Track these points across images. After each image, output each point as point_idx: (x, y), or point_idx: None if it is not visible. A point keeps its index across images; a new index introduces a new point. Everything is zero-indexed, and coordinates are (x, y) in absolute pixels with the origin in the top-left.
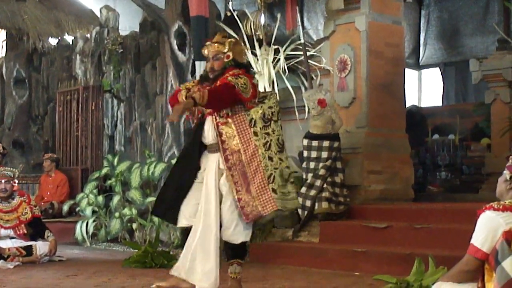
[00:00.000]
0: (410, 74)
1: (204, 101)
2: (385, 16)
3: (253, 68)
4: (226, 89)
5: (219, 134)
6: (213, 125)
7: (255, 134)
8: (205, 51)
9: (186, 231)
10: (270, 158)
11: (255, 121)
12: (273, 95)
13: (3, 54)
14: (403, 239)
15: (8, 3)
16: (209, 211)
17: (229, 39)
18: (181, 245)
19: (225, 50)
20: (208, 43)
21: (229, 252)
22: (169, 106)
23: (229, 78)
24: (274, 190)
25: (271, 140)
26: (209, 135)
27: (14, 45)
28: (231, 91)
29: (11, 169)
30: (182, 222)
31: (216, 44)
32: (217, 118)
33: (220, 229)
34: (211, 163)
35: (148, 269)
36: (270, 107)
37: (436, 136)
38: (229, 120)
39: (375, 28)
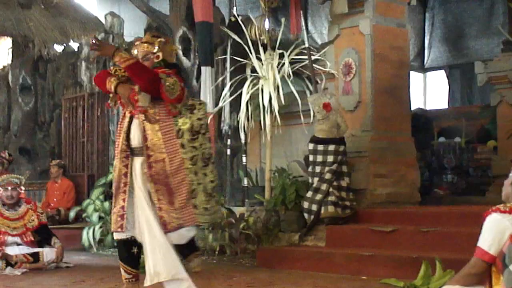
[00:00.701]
0: (415, 77)
1: (124, 62)
2: (389, 19)
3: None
4: (152, 74)
5: (145, 139)
6: (139, 128)
7: (182, 146)
8: (134, 51)
9: (125, 243)
10: (195, 173)
11: (182, 132)
12: (202, 105)
13: (9, 61)
14: (410, 242)
15: (14, 10)
16: (148, 219)
17: (159, 39)
18: (121, 259)
19: (155, 51)
20: (137, 43)
21: (185, 250)
22: None
23: (160, 74)
24: (195, 206)
25: (197, 154)
26: (135, 137)
27: (20, 52)
28: (156, 79)
29: (18, 176)
30: (120, 234)
31: (145, 44)
32: (143, 121)
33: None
34: (137, 166)
35: None
36: (199, 119)
37: (442, 139)
38: (156, 126)
39: (379, 31)
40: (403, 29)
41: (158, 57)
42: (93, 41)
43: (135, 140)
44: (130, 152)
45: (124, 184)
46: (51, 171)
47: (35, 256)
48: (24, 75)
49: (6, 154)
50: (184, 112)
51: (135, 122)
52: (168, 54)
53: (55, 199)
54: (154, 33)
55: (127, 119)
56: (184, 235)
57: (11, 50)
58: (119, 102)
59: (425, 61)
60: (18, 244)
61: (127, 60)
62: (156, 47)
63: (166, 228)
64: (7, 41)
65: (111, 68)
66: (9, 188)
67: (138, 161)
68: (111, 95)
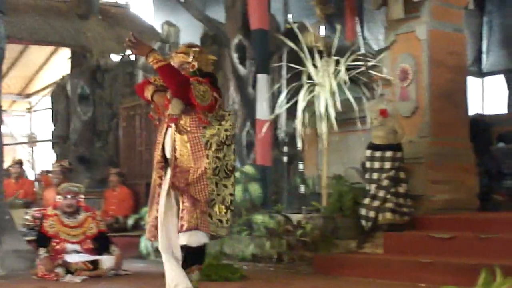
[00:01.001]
0: (473, 82)
1: (157, 63)
2: (446, 24)
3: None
4: (182, 77)
5: (174, 150)
6: (171, 140)
7: (207, 157)
8: (171, 62)
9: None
10: (216, 184)
11: (211, 144)
12: (231, 117)
13: (68, 72)
14: (469, 249)
15: (72, 22)
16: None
17: (194, 49)
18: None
19: (190, 60)
20: (173, 54)
21: (189, 258)
22: None
23: (192, 80)
24: (210, 215)
25: (220, 165)
26: (167, 148)
27: (78, 62)
28: (186, 83)
29: (77, 184)
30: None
31: (181, 54)
32: (175, 132)
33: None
34: (167, 176)
35: (212, 282)
36: (226, 130)
37: (501, 144)
38: (185, 138)
39: (436, 36)
40: (460, 33)
41: (193, 66)
42: (129, 39)
43: (167, 150)
44: (165, 163)
45: (158, 195)
46: (111, 180)
47: (95, 264)
48: (82, 85)
49: (66, 163)
50: (214, 123)
51: (168, 133)
52: (204, 63)
53: (113, 207)
54: (190, 44)
55: (163, 131)
56: (197, 238)
57: (69, 60)
58: (157, 112)
59: (483, 66)
60: (77, 252)
61: (159, 62)
62: (191, 57)
63: (182, 228)
64: (66, 52)
65: (152, 78)
66: (69, 196)
67: (169, 172)
68: (151, 106)
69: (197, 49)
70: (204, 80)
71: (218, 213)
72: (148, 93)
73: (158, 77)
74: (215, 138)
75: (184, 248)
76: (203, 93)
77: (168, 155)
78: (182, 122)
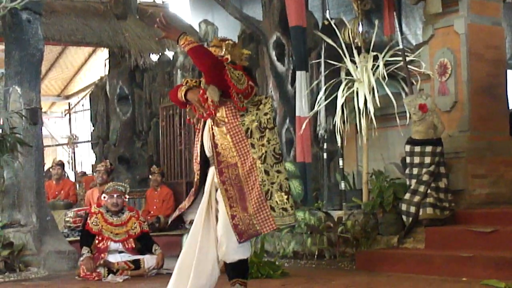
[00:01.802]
0: None
1: (188, 45)
2: (484, 17)
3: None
4: (216, 59)
5: (215, 146)
6: (209, 136)
7: (253, 146)
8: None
9: None
10: (266, 172)
11: (251, 131)
12: (268, 100)
13: (107, 72)
14: (510, 243)
15: (110, 22)
16: (196, 229)
17: (227, 42)
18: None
19: (222, 53)
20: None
21: (229, 271)
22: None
23: (226, 64)
24: (272, 208)
25: (266, 151)
26: (206, 147)
27: (116, 62)
28: (219, 64)
29: (123, 184)
30: None
31: (213, 48)
32: (213, 127)
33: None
34: (209, 176)
35: (254, 280)
36: (265, 114)
37: None
38: (224, 129)
39: (474, 30)
40: (499, 27)
41: (226, 59)
42: (160, 20)
43: (207, 149)
44: (206, 162)
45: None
46: (154, 179)
47: (136, 263)
48: (121, 85)
49: (108, 163)
50: (251, 109)
51: (206, 129)
52: (237, 57)
53: (154, 207)
54: (223, 37)
55: (200, 130)
56: (236, 251)
57: (108, 61)
58: (194, 112)
59: None
60: (120, 252)
61: (191, 43)
62: (224, 50)
63: (241, 237)
64: (104, 53)
65: (183, 80)
66: (115, 195)
67: (211, 170)
68: (188, 110)
69: (230, 42)
70: (236, 67)
71: (279, 202)
72: (181, 93)
73: (190, 79)
74: (255, 124)
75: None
76: (239, 76)
77: (208, 153)
78: (218, 114)
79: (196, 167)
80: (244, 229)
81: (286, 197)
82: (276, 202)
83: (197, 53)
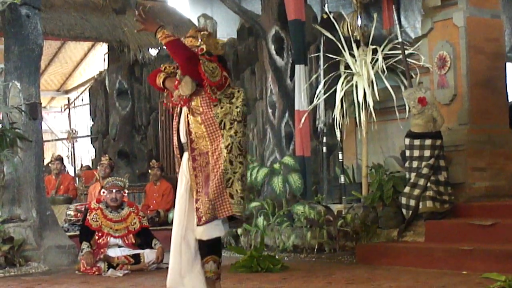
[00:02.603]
0: None
1: (165, 38)
2: (483, 10)
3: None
4: (192, 53)
5: (189, 133)
6: (184, 123)
7: (222, 136)
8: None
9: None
10: (230, 162)
11: (224, 123)
12: (241, 93)
13: (106, 67)
14: (510, 236)
15: (109, 17)
16: (178, 213)
17: (202, 32)
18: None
19: (198, 44)
20: (182, 38)
21: (204, 249)
22: (269, 110)
23: (200, 57)
24: (231, 195)
25: (232, 142)
26: (181, 132)
27: (115, 57)
28: (194, 58)
29: (122, 179)
30: None
31: (189, 38)
32: (188, 115)
33: None
34: (184, 160)
35: (254, 274)
36: (236, 107)
37: None
38: (198, 119)
39: (473, 23)
40: (498, 19)
41: (202, 49)
42: (139, 13)
43: (182, 135)
44: (181, 149)
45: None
46: (154, 173)
47: (136, 258)
48: (120, 79)
49: (107, 159)
50: (223, 100)
51: (182, 116)
52: (212, 47)
53: (154, 201)
54: (198, 28)
55: (176, 117)
56: (211, 229)
57: (107, 55)
58: (171, 98)
59: None
60: (119, 246)
61: (168, 37)
62: (199, 40)
63: (200, 220)
64: (103, 47)
65: (162, 66)
66: (114, 190)
67: (185, 156)
68: (165, 94)
69: (205, 32)
70: (212, 58)
71: (238, 190)
72: (159, 80)
73: (168, 64)
74: (228, 117)
75: (201, 241)
76: (212, 69)
77: (183, 139)
78: (193, 103)
79: (176, 152)
80: (202, 213)
81: (243, 188)
82: (236, 190)
83: (174, 47)
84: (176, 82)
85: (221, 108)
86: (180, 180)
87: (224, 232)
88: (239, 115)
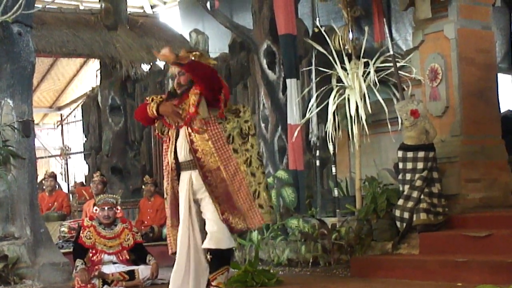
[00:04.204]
0: (504, 79)
1: (187, 60)
2: (474, 22)
3: (343, 83)
4: (210, 68)
5: (194, 151)
6: (186, 142)
7: (235, 151)
8: (172, 68)
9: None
10: (253, 174)
11: (233, 137)
12: (247, 109)
13: (98, 83)
14: (505, 247)
15: (101, 33)
16: (182, 235)
17: (194, 53)
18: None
19: None
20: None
21: (219, 260)
22: (262, 124)
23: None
24: (260, 206)
25: (251, 156)
26: (181, 152)
27: (108, 73)
28: (215, 72)
29: (114, 196)
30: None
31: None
32: (192, 133)
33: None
34: (182, 182)
35: None
36: (246, 121)
37: None
38: (205, 136)
39: (464, 35)
40: (489, 31)
41: None
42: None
43: (182, 154)
44: (178, 170)
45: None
46: (148, 189)
47: (131, 274)
48: (113, 95)
49: (98, 175)
50: (229, 117)
51: (181, 136)
52: None
53: (148, 217)
54: (190, 49)
55: (172, 138)
56: (227, 239)
57: (99, 72)
58: (166, 125)
59: None
60: (113, 263)
61: (187, 58)
62: None
63: (232, 230)
64: (95, 63)
65: (146, 98)
66: (106, 208)
67: (185, 175)
68: (156, 124)
69: (197, 53)
70: None
71: (266, 200)
72: (152, 109)
73: (154, 96)
74: (236, 131)
75: (216, 251)
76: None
77: (183, 159)
78: (197, 121)
79: (171, 174)
80: (234, 223)
81: (269, 197)
82: (265, 200)
83: (198, 66)
84: (176, 102)
85: (228, 123)
86: (182, 201)
87: (233, 243)
88: (251, 129)
